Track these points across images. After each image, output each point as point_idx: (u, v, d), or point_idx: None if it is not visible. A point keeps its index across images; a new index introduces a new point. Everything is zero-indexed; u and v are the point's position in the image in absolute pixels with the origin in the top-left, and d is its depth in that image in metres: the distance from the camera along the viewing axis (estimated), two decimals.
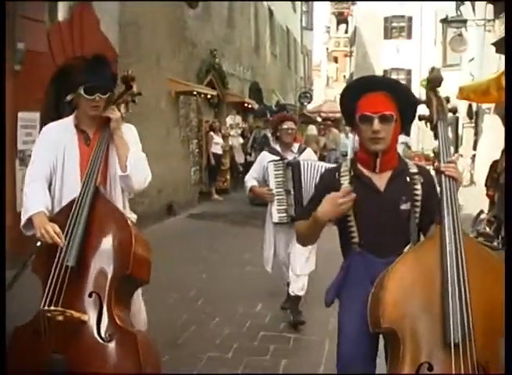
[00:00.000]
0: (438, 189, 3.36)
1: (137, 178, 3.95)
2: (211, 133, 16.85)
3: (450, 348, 2.83)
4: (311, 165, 6.33)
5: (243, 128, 19.47)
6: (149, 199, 11.94)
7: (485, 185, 10.84)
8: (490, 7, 19.91)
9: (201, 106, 16.63)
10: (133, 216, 4.13)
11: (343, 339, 3.37)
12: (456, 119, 28.89)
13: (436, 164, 3.63)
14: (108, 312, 3.49)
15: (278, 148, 6.80)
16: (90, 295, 3.52)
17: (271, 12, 28.09)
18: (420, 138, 34.68)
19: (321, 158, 17.43)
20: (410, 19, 45.47)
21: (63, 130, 4.03)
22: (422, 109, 3.58)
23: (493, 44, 18.51)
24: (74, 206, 3.65)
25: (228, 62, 19.21)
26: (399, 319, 2.94)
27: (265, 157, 6.76)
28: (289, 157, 6.60)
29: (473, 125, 24.75)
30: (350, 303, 3.38)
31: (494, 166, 10.17)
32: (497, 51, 18.50)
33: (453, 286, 2.92)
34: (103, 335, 3.45)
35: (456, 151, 27.48)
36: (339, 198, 3.11)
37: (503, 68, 17.35)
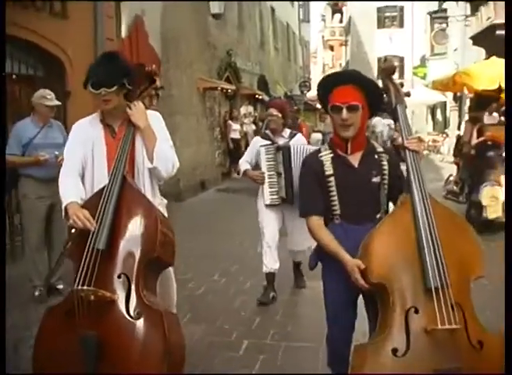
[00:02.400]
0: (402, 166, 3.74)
1: (165, 168, 4.04)
2: (229, 121, 19.52)
3: (431, 292, 3.16)
4: (300, 148, 6.49)
5: (255, 116, 22.04)
6: (186, 177, 14.67)
7: (453, 155, 13.27)
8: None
9: (220, 99, 19.29)
10: (163, 202, 4.32)
11: (330, 293, 3.77)
12: (444, 104, 30.88)
13: (400, 140, 4.04)
14: (136, 292, 3.59)
15: (270, 133, 6.88)
16: (119, 276, 3.62)
17: (273, 10, 30.09)
18: (413, 121, 35.60)
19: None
20: (401, 8, 46.35)
21: (91, 125, 4.14)
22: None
23: (471, 37, 20.89)
24: (103, 194, 3.76)
25: (240, 59, 21.69)
26: (386, 274, 3.25)
27: (258, 142, 6.90)
28: (280, 142, 6.71)
29: (457, 108, 26.87)
30: (332, 266, 3.58)
31: (459, 139, 12.68)
32: (474, 44, 20.85)
33: (427, 240, 3.25)
34: (132, 313, 3.55)
35: (444, 131, 29.79)
36: (357, 274, 3.31)
37: (481, 58, 19.77)
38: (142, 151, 4.04)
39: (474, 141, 10.76)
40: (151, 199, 3.98)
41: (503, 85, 10.09)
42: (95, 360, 3.46)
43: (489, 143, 10.37)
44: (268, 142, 6.68)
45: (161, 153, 3.99)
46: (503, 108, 10.85)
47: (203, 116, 17.27)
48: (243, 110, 20.78)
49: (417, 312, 3.19)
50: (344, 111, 3.54)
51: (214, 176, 17.68)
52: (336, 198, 3.64)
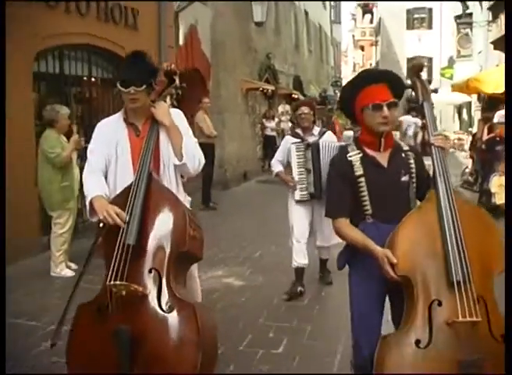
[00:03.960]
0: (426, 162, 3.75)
1: (192, 164, 4.07)
2: (264, 120, 21.21)
3: (454, 286, 3.17)
4: (329, 145, 6.59)
5: (291, 114, 23.69)
6: (232, 168, 16.46)
7: (469, 149, 14.67)
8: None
9: (260, 98, 21.04)
10: (187, 199, 4.29)
11: (357, 295, 3.70)
12: (470, 104, 31.82)
13: (426, 137, 3.97)
14: (167, 286, 3.61)
15: (300, 131, 7.00)
16: (150, 271, 3.64)
17: (306, 13, 31.52)
18: (441, 120, 36.80)
19: None
20: (430, 10, 46.44)
21: (114, 124, 4.16)
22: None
23: (492, 42, 22.16)
24: (131, 191, 3.77)
25: (278, 61, 23.41)
26: (410, 267, 3.26)
27: (289, 140, 7.03)
28: (310, 140, 6.79)
29: (480, 108, 28.07)
30: (361, 264, 3.59)
31: (474, 136, 14.19)
32: (495, 48, 22.05)
33: (450, 235, 3.26)
34: (164, 307, 3.56)
35: (468, 130, 30.94)
36: (386, 264, 3.28)
37: (502, 61, 20.98)
38: (167, 148, 4.05)
39: (485, 137, 12.25)
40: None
41: None
42: (129, 355, 3.48)
43: (497, 139, 11.81)
44: (299, 140, 6.85)
45: (188, 150, 4.02)
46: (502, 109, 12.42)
47: (246, 114, 19.13)
48: (280, 108, 22.35)
49: (440, 304, 3.23)
50: (385, 108, 3.54)
51: (255, 168, 19.40)
52: (367, 198, 3.62)
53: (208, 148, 12.57)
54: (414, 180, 3.72)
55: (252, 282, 7.34)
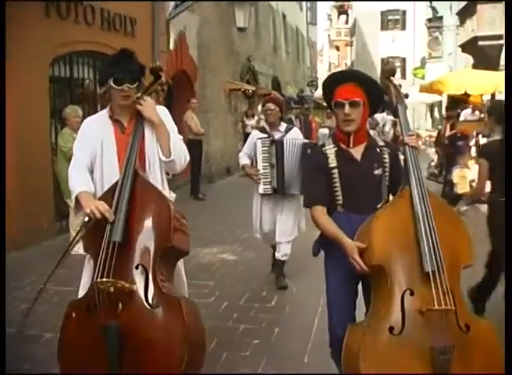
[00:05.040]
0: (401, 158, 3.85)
1: (179, 161, 4.08)
2: (244, 118, 22.42)
3: (427, 276, 3.32)
4: (293, 142, 6.75)
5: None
6: (217, 162, 17.70)
7: (434, 145, 15.78)
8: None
9: (241, 98, 22.31)
10: (172, 195, 4.25)
11: (331, 280, 3.86)
12: (441, 103, 32.58)
13: (400, 138, 4.05)
14: (153, 282, 3.62)
15: (267, 127, 7.10)
16: (136, 267, 3.65)
17: (284, 17, 32.65)
18: (414, 118, 37.83)
19: None
20: (404, 12, 47.53)
21: (100, 122, 4.13)
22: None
23: (459, 46, 23.56)
24: (117, 188, 3.77)
25: (257, 63, 24.75)
26: (385, 257, 3.38)
27: (256, 135, 7.09)
28: (277, 136, 6.88)
29: (445, 108, 29.22)
30: (334, 253, 3.69)
31: (439, 133, 15.48)
32: (463, 51, 23.38)
33: (424, 228, 3.40)
34: (150, 302, 3.58)
35: (439, 127, 32.18)
36: (355, 255, 3.44)
37: (470, 62, 22.30)
38: (152, 145, 4.06)
39: (448, 133, 13.48)
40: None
41: (468, 91, 12.99)
42: (118, 350, 3.51)
43: (459, 135, 12.96)
44: (265, 136, 6.92)
45: (176, 147, 4.04)
46: (468, 108, 13.76)
47: (229, 113, 20.48)
48: (260, 108, 23.60)
49: (412, 294, 3.34)
50: (346, 106, 3.67)
51: (237, 163, 20.25)
52: (339, 188, 3.76)
53: (196, 145, 13.96)
54: (388, 173, 3.84)
55: (243, 257, 8.45)
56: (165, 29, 14.48)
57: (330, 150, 3.83)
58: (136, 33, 12.75)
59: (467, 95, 13.45)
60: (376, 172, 3.79)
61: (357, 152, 3.82)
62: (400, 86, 3.99)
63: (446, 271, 3.37)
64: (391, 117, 22.89)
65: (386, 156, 3.86)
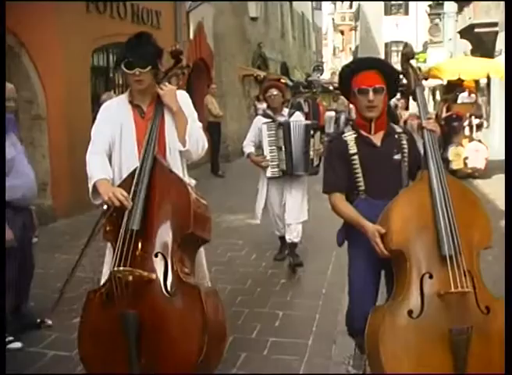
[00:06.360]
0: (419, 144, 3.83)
1: (196, 150, 4.01)
2: (256, 102, 23.65)
3: (445, 259, 3.32)
4: (298, 124, 6.83)
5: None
6: (233, 143, 19.02)
7: None
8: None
9: (253, 83, 23.64)
10: (191, 181, 4.14)
11: (354, 269, 3.90)
12: (442, 86, 34.04)
13: (418, 121, 4.07)
14: (172, 270, 3.55)
15: (270, 112, 7.10)
16: (155, 255, 3.58)
17: (291, 3, 33.85)
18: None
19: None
20: None
21: (119, 106, 4.06)
22: None
23: (458, 32, 24.46)
24: (136, 175, 3.69)
25: (267, 50, 26.09)
26: (404, 242, 3.40)
27: (260, 120, 7.11)
28: (281, 120, 6.93)
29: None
30: (358, 240, 3.70)
31: (436, 115, 16.67)
32: (461, 37, 24.19)
33: (442, 211, 3.39)
34: (169, 290, 3.52)
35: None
36: (377, 238, 3.46)
37: (468, 48, 23.19)
38: (172, 130, 3.97)
39: (444, 114, 14.76)
40: None
41: (462, 77, 14.29)
42: (136, 338, 3.47)
43: (454, 116, 14.28)
44: (270, 120, 6.96)
45: (192, 136, 3.95)
46: (465, 92, 15.00)
47: (243, 97, 21.85)
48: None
49: (431, 277, 3.33)
50: (371, 93, 3.69)
51: None
52: (360, 175, 3.77)
53: (215, 126, 15.36)
54: (406, 159, 3.83)
55: (264, 222, 9.35)
56: (185, 20, 15.83)
57: (350, 137, 3.86)
58: (161, 25, 14.10)
59: (461, 80, 14.66)
60: (396, 157, 3.81)
61: (376, 138, 3.85)
62: (420, 69, 4.01)
63: (464, 253, 3.37)
64: (392, 100, 24.19)
65: (405, 142, 3.88)
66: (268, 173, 6.97)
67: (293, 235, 7.18)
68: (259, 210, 7.35)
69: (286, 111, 7.20)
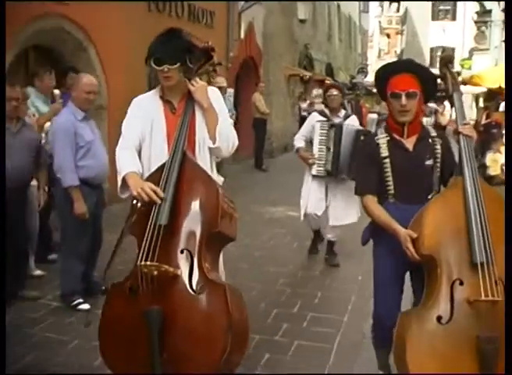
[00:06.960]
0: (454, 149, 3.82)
1: (226, 147, 3.96)
2: (299, 102, 24.26)
3: (477, 266, 3.29)
4: (351, 128, 6.88)
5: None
6: (277, 140, 19.66)
7: None
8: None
9: (298, 83, 24.25)
10: (220, 179, 4.11)
11: (379, 269, 3.92)
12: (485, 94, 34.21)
13: (455, 126, 3.89)
14: (198, 267, 3.51)
15: (327, 111, 7.12)
16: (181, 252, 3.54)
17: (338, 6, 34.34)
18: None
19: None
20: (454, 3, 47.38)
21: (150, 101, 4.01)
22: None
23: (503, 41, 24.79)
24: (165, 169, 3.65)
25: (313, 51, 26.71)
26: (436, 247, 3.38)
27: (315, 117, 7.16)
28: (336, 121, 6.97)
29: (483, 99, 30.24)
30: (384, 242, 3.77)
31: (476, 121, 17.09)
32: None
33: (475, 219, 3.36)
34: (195, 288, 3.47)
35: None
36: (408, 243, 3.44)
37: None
38: (202, 127, 3.93)
39: (483, 121, 15.18)
40: None
41: (502, 86, 14.65)
42: (159, 335, 3.42)
43: (493, 123, 14.70)
44: (324, 119, 7.01)
45: (223, 133, 3.91)
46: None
47: (288, 97, 22.39)
48: (314, 92, 25.16)
49: (461, 284, 3.31)
50: (403, 97, 3.63)
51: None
52: (390, 178, 3.74)
53: (261, 123, 16.03)
54: (439, 164, 3.78)
55: None
56: (237, 20, 16.49)
57: (382, 139, 3.82)
58: (215, 25, 14.78)
59: (502, 89, 15.03)
60: (428, 162, 3.77)
61: (409, 142, 3.80)
62: (458, 74, 3.97)
63: (497, 262, 3.32)
64: (433, 105, 24.50)
65: (438, 147, 3.82)
66: (314, 171, 7.05)
67: (332, 235, 7.45)
68: (304, 207, 7.37)
69: (342, 113, 7.26)
